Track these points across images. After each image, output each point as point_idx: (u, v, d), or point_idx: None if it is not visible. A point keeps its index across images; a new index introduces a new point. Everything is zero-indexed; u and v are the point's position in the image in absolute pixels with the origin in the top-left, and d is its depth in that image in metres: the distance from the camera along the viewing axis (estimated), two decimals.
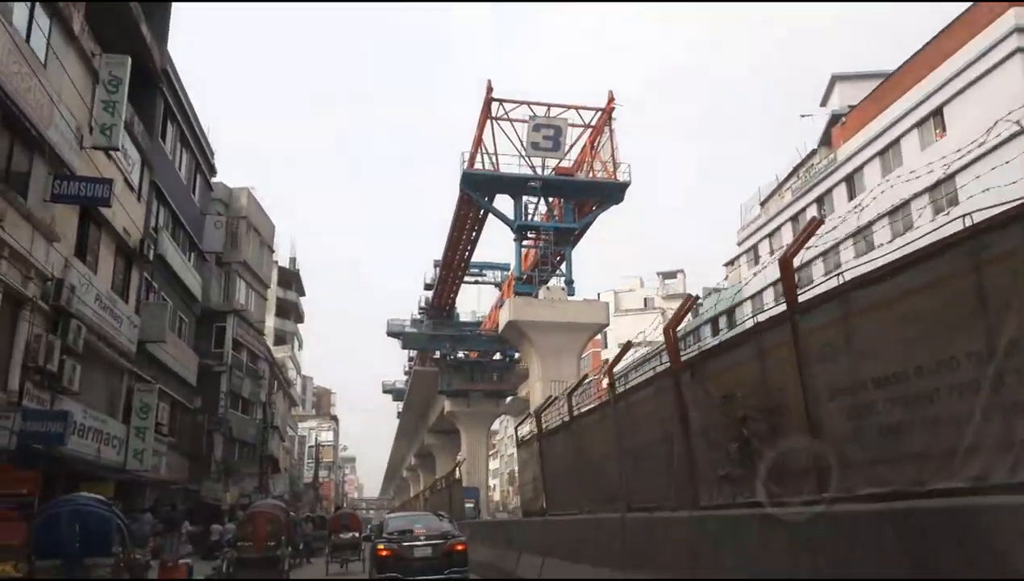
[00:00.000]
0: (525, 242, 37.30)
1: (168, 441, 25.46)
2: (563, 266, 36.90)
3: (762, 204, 48.82)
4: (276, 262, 76.14)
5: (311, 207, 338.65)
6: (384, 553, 12.60)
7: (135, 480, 21.90)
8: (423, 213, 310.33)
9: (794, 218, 43.04)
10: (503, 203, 37.62)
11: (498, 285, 62.91)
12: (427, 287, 60.92)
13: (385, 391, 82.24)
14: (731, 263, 50.62)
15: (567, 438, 10.38)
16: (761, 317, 5.29)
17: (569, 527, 9.87)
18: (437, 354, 59.25)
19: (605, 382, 10.09)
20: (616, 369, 10.26)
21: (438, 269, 54.97)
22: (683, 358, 6.51)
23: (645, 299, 78.51)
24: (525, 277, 37.14)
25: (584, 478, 9.69)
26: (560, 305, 33.38)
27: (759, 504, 5.06)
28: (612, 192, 36.88)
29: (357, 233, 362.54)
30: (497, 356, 59.66)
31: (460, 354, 59.18)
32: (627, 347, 8.25)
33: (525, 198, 37.24)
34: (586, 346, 34.99)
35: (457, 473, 23.07)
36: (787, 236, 43.15)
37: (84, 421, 18.03)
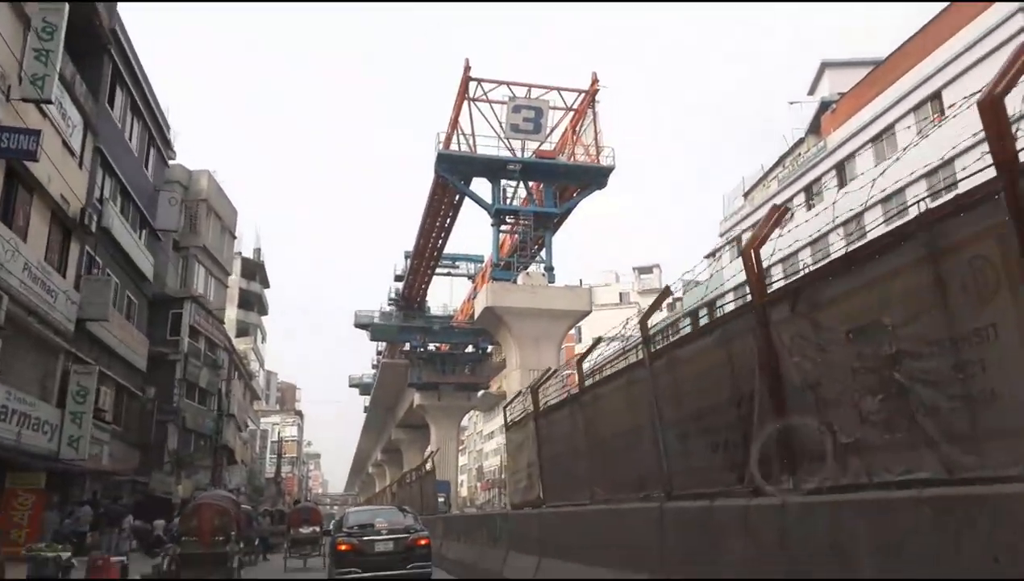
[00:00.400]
0: (503, 227, 35.46)
1: (112, 429, 23.20)
2: (543, 253, 35.15)
3: (746, 195, 47.59)
4: (239, 253, 73.47)
5: (278, 201, 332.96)
6: (343, 547, 12.19)
7: (69, 470, 19.66)
8: (395, 206, 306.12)
9: None
10: (480, 188, 35.83)
11: (471, 277, 61.05)
12: (397, 278, 58.79)
13: (352, 385, 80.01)
14: (712, 255, 49.21)
15: (575, 413, 8.59)
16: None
17: (578, 520, 8.05)
18: (407, 346, 57.18)
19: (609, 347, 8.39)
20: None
21: (409, 260, 52.86)
22: (771, 288, 4.74)
23: (621, 294, 77.22)
24: (503, 263, 35.33)
25: (599, 460, 7.92)
26: (540, 291, 31.56)
27: (931, 482, 3.31)
28: (595, 177, 35.22)
29: (327, 226, 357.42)
30: (470, 349, 57.86)
31: (431, 347, 57.23)
32: (665, 294, 6.49)
33: (504, 182, 35.45)
34: (567, 334, 33.25)
35: (429, 464, 21.13)
36: None
37: (7, 403, 15.84)
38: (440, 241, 44.87)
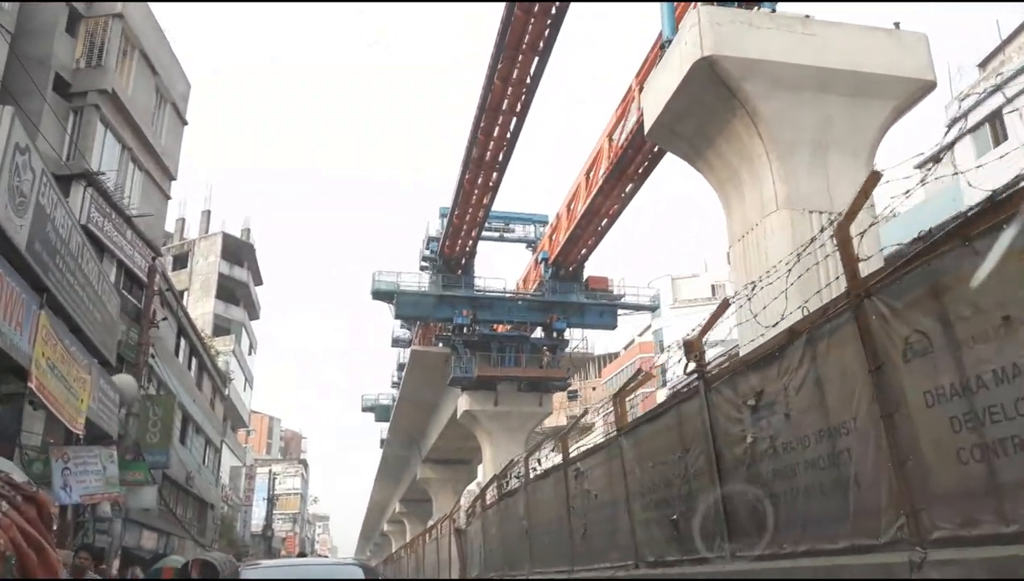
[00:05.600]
0: None
1: None
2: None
3: (982, 64, 30.40)
4: (222, 232, 56.49)
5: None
6: None
7: None
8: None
9: None
10: None
11: (530, 244, 43.72)
12: (431, 241, 41.26)
13: (365, 409, 61.93)
14: (936, 160, 31.42)
15: None
16: None
17: None
18: (448, 329, 39.20)
19: None
20: None
21: (447, 216, 35.48)
22: None
23: (713, 286, 59.39)
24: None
25: None
26: (819, 30, 13.73)
27: None
28: None
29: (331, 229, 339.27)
30: (538, 334, 39.90)
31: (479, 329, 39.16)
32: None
33: None
34: (881, 139, 14.75)
35: None
36: None
37: None
38: (515, 118, 27.23)
